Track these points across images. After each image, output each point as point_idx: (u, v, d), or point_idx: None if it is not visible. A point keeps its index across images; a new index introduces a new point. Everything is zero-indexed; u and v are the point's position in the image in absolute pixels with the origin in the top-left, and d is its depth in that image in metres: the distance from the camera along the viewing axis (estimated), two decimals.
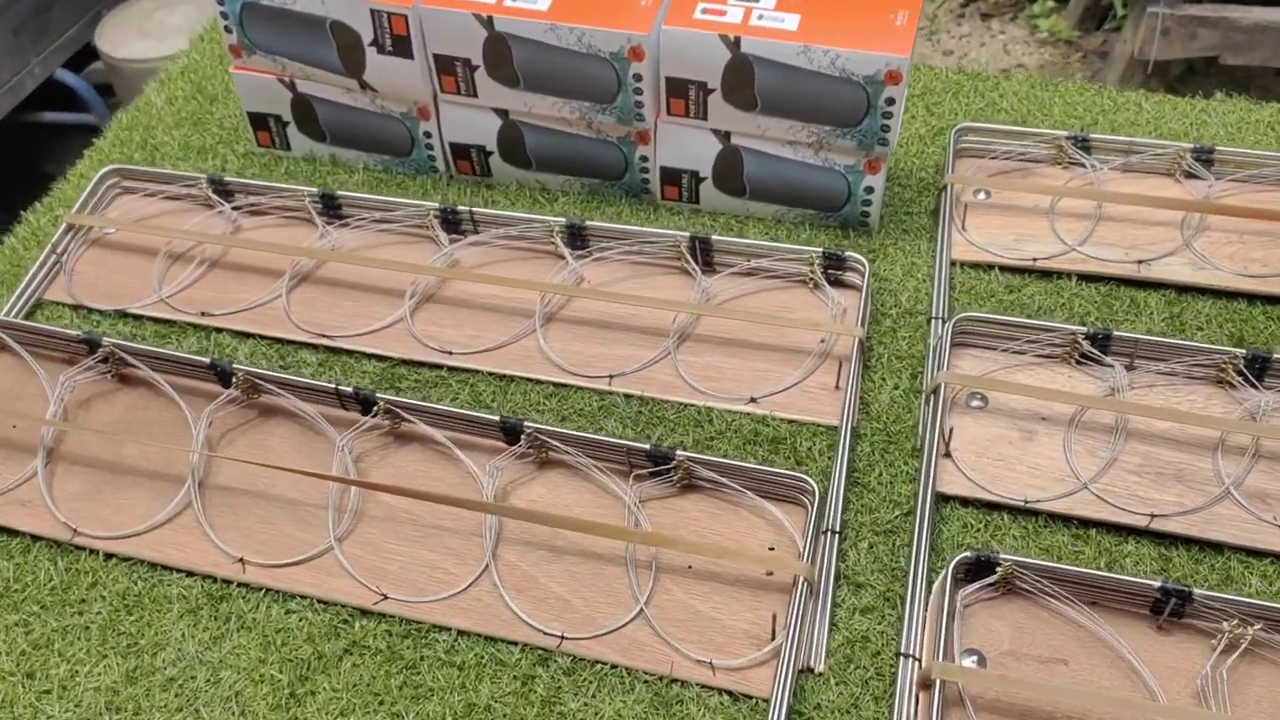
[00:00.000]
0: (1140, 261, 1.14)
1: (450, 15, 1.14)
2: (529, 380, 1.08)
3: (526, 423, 0.97)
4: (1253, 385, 0.99)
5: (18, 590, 0.93)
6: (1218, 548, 0.92)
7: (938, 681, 0.81)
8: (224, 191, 1.24)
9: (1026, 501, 0.95)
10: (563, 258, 1.18)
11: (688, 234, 1.15)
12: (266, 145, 1.33)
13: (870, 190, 1.18)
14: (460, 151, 1.27)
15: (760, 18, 1.09)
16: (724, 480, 0.95)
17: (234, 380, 1.02)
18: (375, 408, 1.00)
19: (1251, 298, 1.11)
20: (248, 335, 1.13)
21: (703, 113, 1.15)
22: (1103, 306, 1.12)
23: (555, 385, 1.08)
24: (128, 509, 0.97)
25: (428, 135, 1.27)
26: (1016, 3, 2.84)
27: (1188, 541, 0.92)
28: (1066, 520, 0.94)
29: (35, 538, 0.96)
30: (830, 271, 1.13)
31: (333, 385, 1.01)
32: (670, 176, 1.22)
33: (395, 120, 1.26)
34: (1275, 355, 0.99)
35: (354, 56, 1.20)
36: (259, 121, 1.31)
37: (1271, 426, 0.96)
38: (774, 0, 1.11)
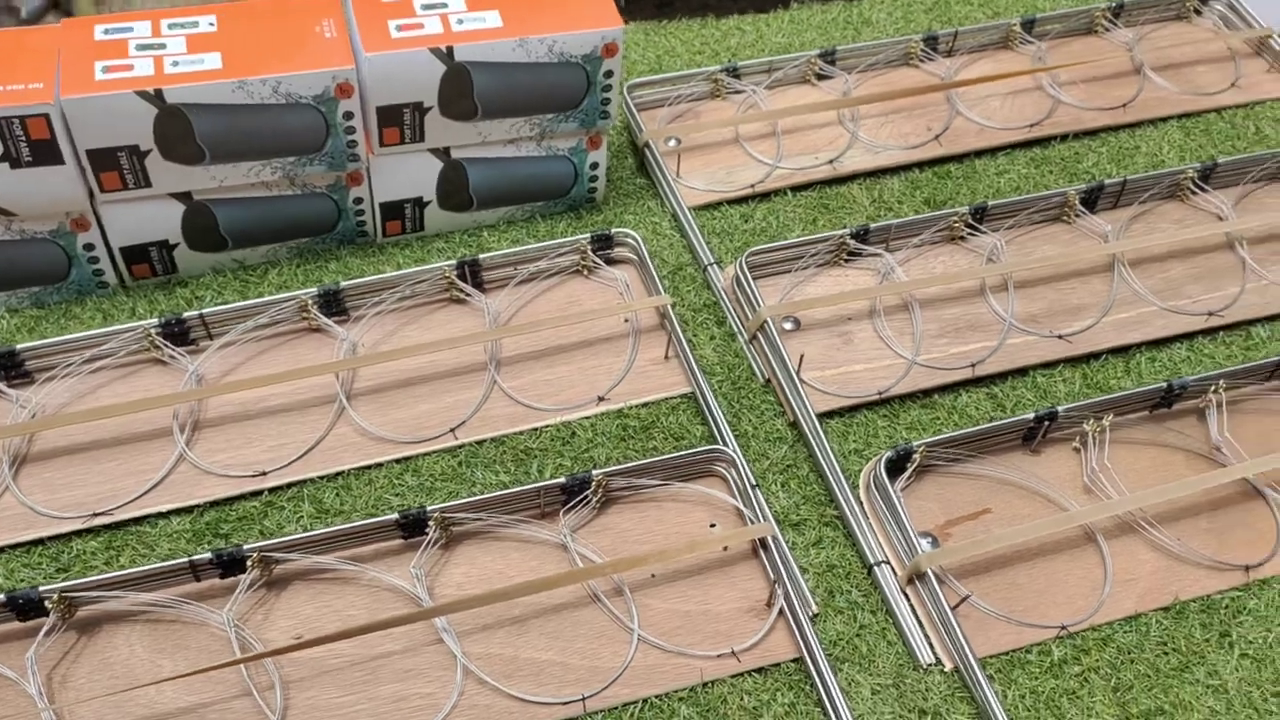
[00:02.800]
0: (830, 161, 1.27)
1: (107, 100, 0.94)
2: (366, 468, 0.97)
3: (430, 507, 0.88)
4: (981, 232, 1.16)
5: None
6: (1023, 372, 1.08)
7: (930, 571, 0.88)
8: None
9: (880, 393, 1.04)
10: (321, 330, 1.05)
11: (454, 261, 1.08)
12: None
13: (595, 166, 1.18)
14: (135, 254, 1.07)
15: (461, 22, 1.04)
16: (645, 482, 0.93)
17: (47, 606, 0.80)
18: (248, 562, 0.84)
19: (920, 165, 1.29)
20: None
21: (419, 135, 1.08)
22: (821, 209, 1.23)
23: (398, 461, 0.97)
24: None
25: (89, 248, 1.05)
26: None
27: (1001, 375, 1.07)
28: (912, 396, 1.05)
29: None
30: (602, 253, 1.13)
31: (186, 560, 0.83)
32: (391, 210, 1.14)
33: (43, 242, 1.03)
34: (990, 203, 1.16)
35: None
36: None
37: (1015, 261, 1.14)
38: (465, 2, 1.06)
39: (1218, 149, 1.32)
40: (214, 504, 0.93)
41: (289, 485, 0.95)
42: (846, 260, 1.15)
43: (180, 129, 0.98)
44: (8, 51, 0.96)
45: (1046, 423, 0.98)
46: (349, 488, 0.95)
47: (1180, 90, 1.38)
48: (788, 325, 1.09)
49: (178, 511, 0.92)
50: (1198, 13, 1.49)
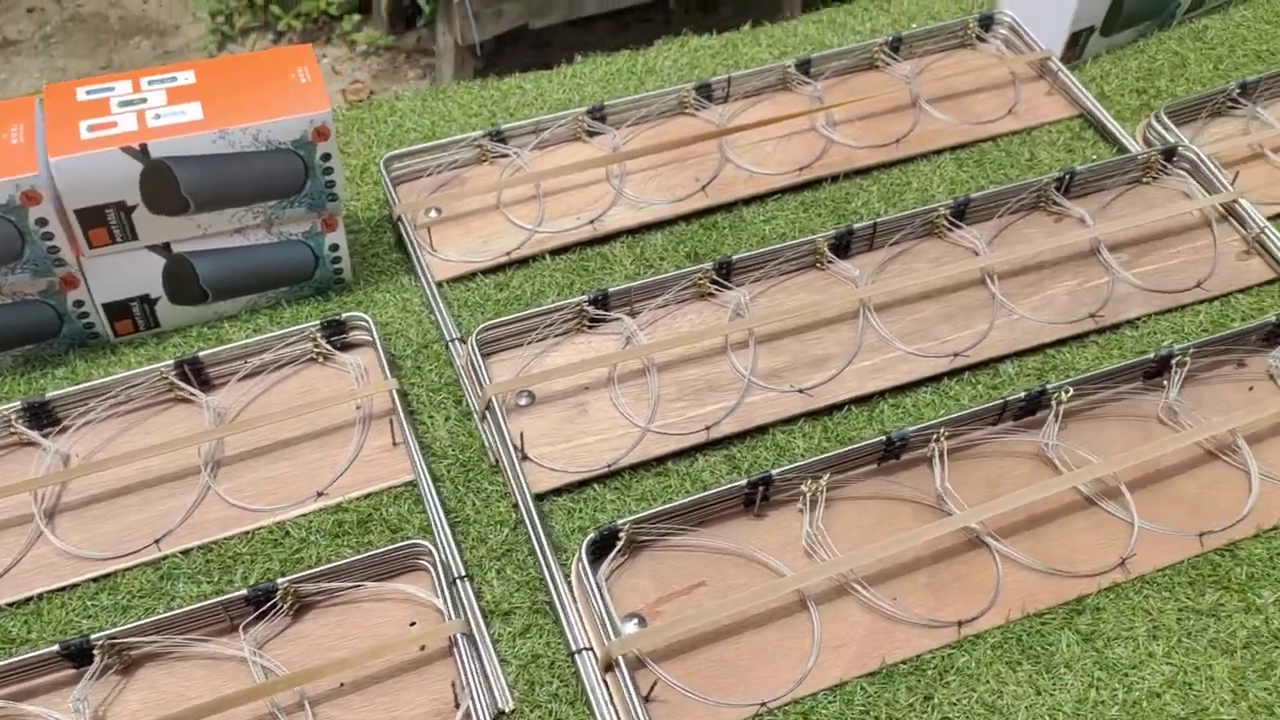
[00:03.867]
0: (592, 221, 1.25)
1: None
2: (61, 590, 0.94)
3: (93, 635, 0.84)
4: (727, 288, 1.14)
5: None
6: (762, 430, 1.05)
7: (619, 658, 0.85)
8: None
9: (609, 466, 1.01)
10: (33, 444, 1.02)
11: (172, 361, 1.05)
12: None
13: (335, 247, 1.16)
14: None
15: (159, 117, 1.02)
16: (337, 584, 0.90)
17: None
18: None
19: (686, 218, 1.27)
20: None
21: (130, 233, 1.05)
22: (580, 272, 1.21)
23: (96, 580, 0.94)
24: None
25: None
26: (324, 26, 2.90)
27: (739, 436, 1.05)
28: (645, 465, 1.03)
29: None
30: (335, 339, 1.10)
31: None
32: (118, 310, 1.11)
33: None
34: (734, 257, 1.14)
35: None
36: None
37: (759, 316, 1.12)
38: (164, 95, 1.04)
39: (989, 179, 1.31)
40: None
41: None
42: (590, 327, 1.12)
43: None
44: None
45: (762, 488, 0.95)
46: (40, 614, 0.92)
47: (956, 121, 1.37)
48: (523, 400, 1.07)
49: None
50: (981, 39, 1.48)
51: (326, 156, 1.07)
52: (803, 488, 0.96)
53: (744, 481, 0.95)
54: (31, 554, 0.95)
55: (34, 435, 1.01)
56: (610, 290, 1.12)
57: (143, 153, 1.00)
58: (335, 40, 2.88)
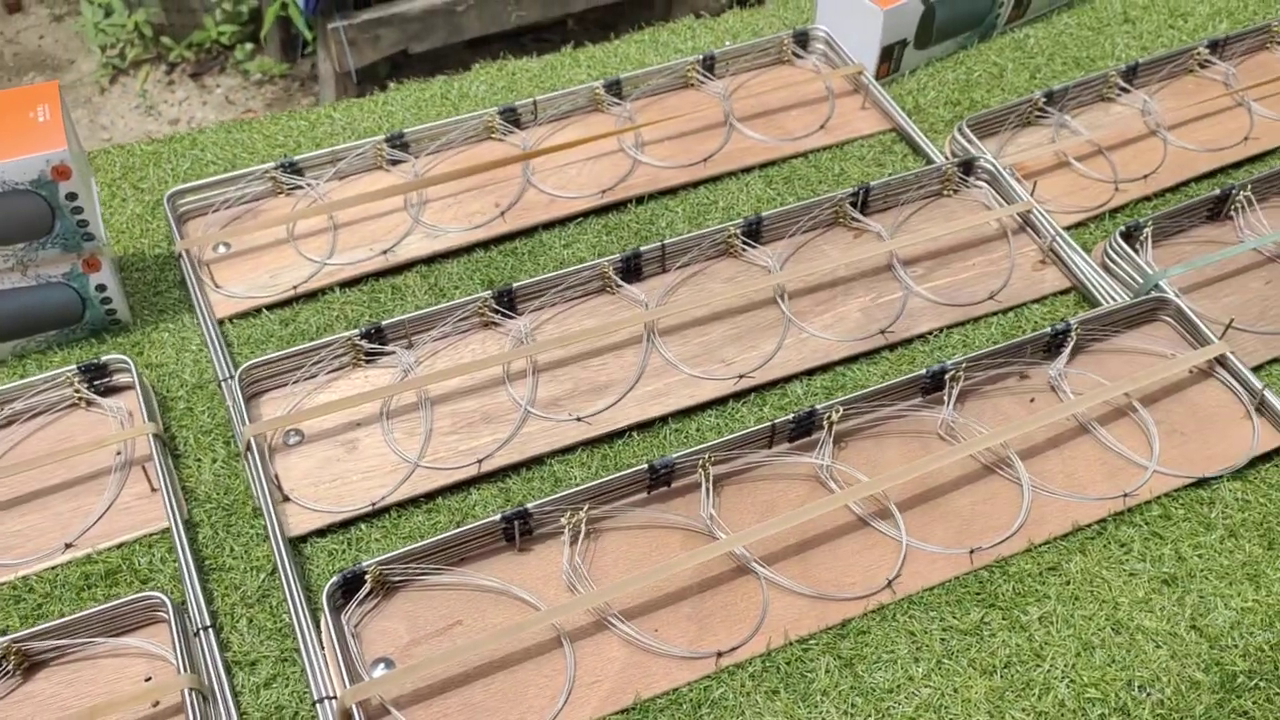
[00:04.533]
0: (385, 251, 1.22)
1: None
2: None
3: None
4: (509, 316, 1.12)
5: None
6: (539, 460, 1.03)
7: (353, 707, 0.82)
8: None
9: (373, 504, 0.98)
10: None
11: None
12: None
13: (103, 287, 1.12)
14: None
15: None
16: (64, 641, 0.86)
17: None
18: None
19: (484, 245, 1.25)
20: None
21: None
22: (371, 303, 1.18)
23: None
24: None
25: None
26: (217, 55, 2.86)
27: (515, 468, 1.02)
28: (414, 502, 1.00)
29: None
30: (97, 383, 1.06)
31: None
32: None
33: None
34: (515, 284, 1.12)
35: None
36: None
37: (537, 344, 1.10)
38: None
39: (797, 195, 1.30)
40: None
41: None
42: (367, 361, 1.09)
43: None
44: None
45: (518, 521, 0.93)
46: None
47: (767, 138, 1.36)
48: (292, 439, 1.03)
49: None
50: (798, 55, 1.48)
51: (72, 196, 1.03)
52: (563, 520, 0.93)
53: (498, 516, 0.92)
54: None
55: None
56: (384, 323, 1.09)
57: None
58: (230, 70, 2.84)
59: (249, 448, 1.00)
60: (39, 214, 1.03)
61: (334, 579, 0.89)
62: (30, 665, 0.86)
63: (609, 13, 2.88)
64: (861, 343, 1.12)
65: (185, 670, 0.85)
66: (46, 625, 0.86)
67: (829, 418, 1.00)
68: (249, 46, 2.87)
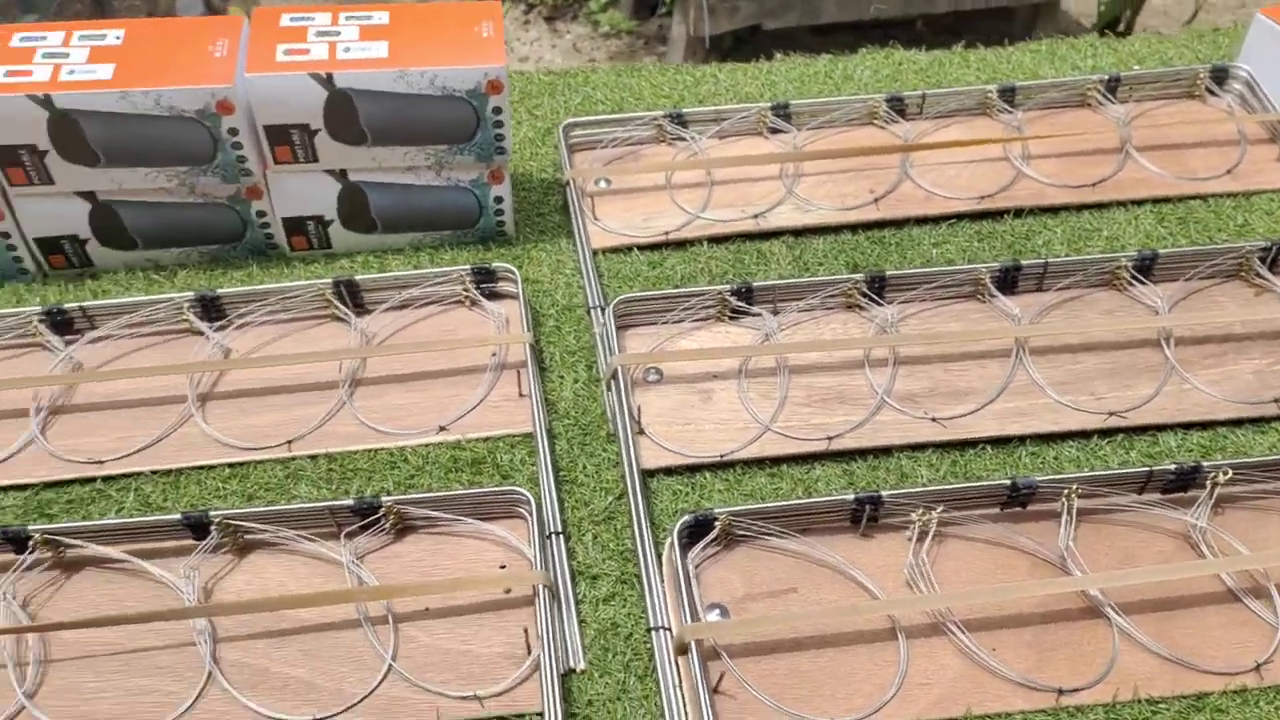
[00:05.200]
0: (756, 215, 1.24)
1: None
2: (199, 469, 0.99)
3: (212, 512, 0.90)
4: (876, 303, 1.11)
5: None
6: (887, 451, 1.02)
7: (692, 643, 0.84)
8: None
9: (722, 456, 1.00)
10: (201, 333, 1.09)
11: (331, 279, 1.10)
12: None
13: (500, 200, 1.19)
14: (50, 245, 1.14)
15: (348, 50, 1.07)
16: (438, 513, 0.92)
17: None
18: (31, 542, 0.87)
19: (853, 227, 1.24)
20: None
21: (312, 155, 1.11)
22: (735, 263, 1.20)
23: (231, 466, 1.00)
24: None
25: (5, 235, 1.12)
26: (573, 2, 2.99)
27: (862, 453, 1.02)
28: (759, 463, 1.01)
29: None
30: (483, 285, 1.13)
31: None
32: (294, 226, 1.17)
33: None
34: (888, 273, 1.11)
35: None
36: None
37: (903, 336, 1.08)
38: (357, 30, 1.09)
39: (1191, 239, 1.22)
40: (49, 485, 0.98)
41: (123, 476, 0.99)
42: (730, 318, 1.11)
43: (73, 133, 1.04)
44: None
45: (869, 506, 0.92)
46: (178, 486, 0.98)
47: (1164, 173, 1.28)
48: (651, 376, 1.07)
49: (15, 487, 0.97)
50: (1212, 92, 1.39)
51: (498, 110, 1.10)
52: (913, 516, 0.92)
53: (852, 496, 0.92)
54: (180, 431, 1.01)
55: (202, 325, 1.08)
56: (755, 285, 1.10)
57: (328, 81, 1.05)
58: (581, 18, 2.96)
59: (614, 376, 1.04)
60: (466, 121, 1.10)
61: (686, 518, 0.91)
62: (404, 528, 0.93)
63: (961, 19, 2.80)
64: (1251, 407, 1.04)
65: (539, 567, 0.89)
66: (425, 495, 0.93)
67: (1214, 478, 0.93)
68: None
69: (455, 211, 1.19)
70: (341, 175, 1.13)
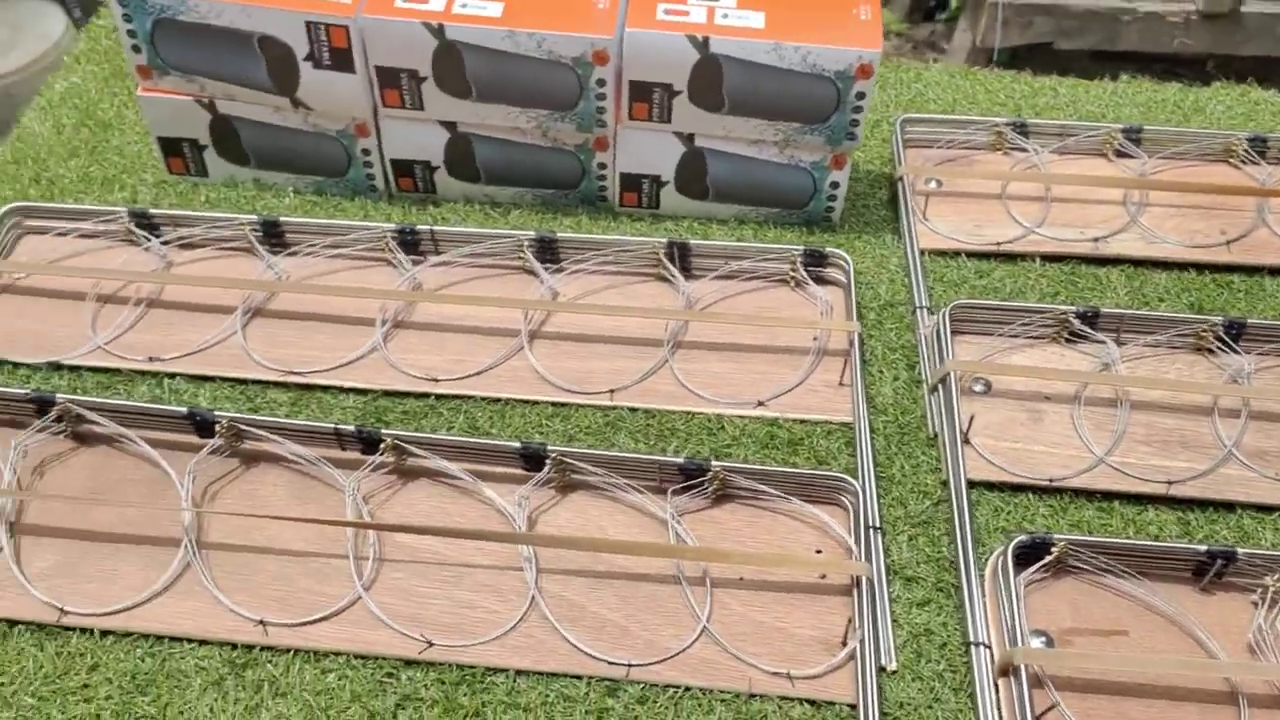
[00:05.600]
0: (1096, 239, 1.18)
1: (396, 25, 1.06)
2: (524, 402, 1.02)
3: (550, 447, 0.92)
4: (1233, 350, 1.04)
5: (4, 684, 0.81)
6: (1230, 507, 0.96)
7: (1021, 667, 0.81)
8: (148, 225, 1.12)
9: (1051, 481, 0.96)
10: (534, 273, 1.12)
11: (665, 239, 1.11)
12: (180, 172, 1.22)
13: (835, 185, 1.18)
14: (403, 168, 1.20)
15: (725, 16, 1.07)
16: (763, 487, 0.92)
17: (217, 429, 0.92)
18: (382, 445, 0.92)
19: (1199, 267, 1.17)
20: (205, 379, 1.03)
21: (666, 116, 1.12)
22: (1068, 285, 1.15)
23: (554, 405, 1.02)
24: (117, 580, 0.86)
25: (366, 153, 1.18)
26: None
27: (1202, 504, 0.96)
28: (1089, 495, 0.96)
29: (12, 622, 0.84)
30: (811, 269, 1.12)
31: (331, 426, 0.93)
32: (630, 183, 1.19)
33: (330, 139, 1.17)
34: (1250, 321, 1.04)
35: (286, 72, 1.11)
36: (171, 147, 1.20)
37: (1260, 388, 1.01)
38: None
39: None
40: (388, 393, 1.03)
41: (454, 397, 1.03)
42: (1067, 340, 1.07)
43: (454, 64, 1.08)
44: None
45: (1220, 562, 0.86)
46: (504, 415, 1.01)
47: None
48: (977, 387, 1.04)
49: (358, 391, 1.03)
50: None
51: (861, 95, 1.08)
52: (1267, 580, 0.86)
53: (1204, 548, 0.87)
54: (509, 364, 1.05)
55: (537, 267, 1.11)
56: (1103, 310, 1.05)
57: (704, 44, 1.06)
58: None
59: (944, 381, 1.01)
60: (827, 102, 1.09)
61: (1022, 538, 0.88)
62: (724, 495, 0.94)
63: (1261, 65, 2.62)
64: None
65: (860, 558, 0.88)
66: (751, 467, 0.93)
67: None
68: None
69: (789, 190, 1.18)
70: (689, 140, 1.14)
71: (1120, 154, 1.27)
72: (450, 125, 1.15)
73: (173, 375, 1.02)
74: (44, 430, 0.93)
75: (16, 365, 1.02)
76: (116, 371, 1.03)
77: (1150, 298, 1.14)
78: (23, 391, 0.93)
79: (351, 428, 0.92)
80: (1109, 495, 0.96)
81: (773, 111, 1.11)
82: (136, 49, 1.11)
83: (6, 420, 0.96)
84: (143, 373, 1.03)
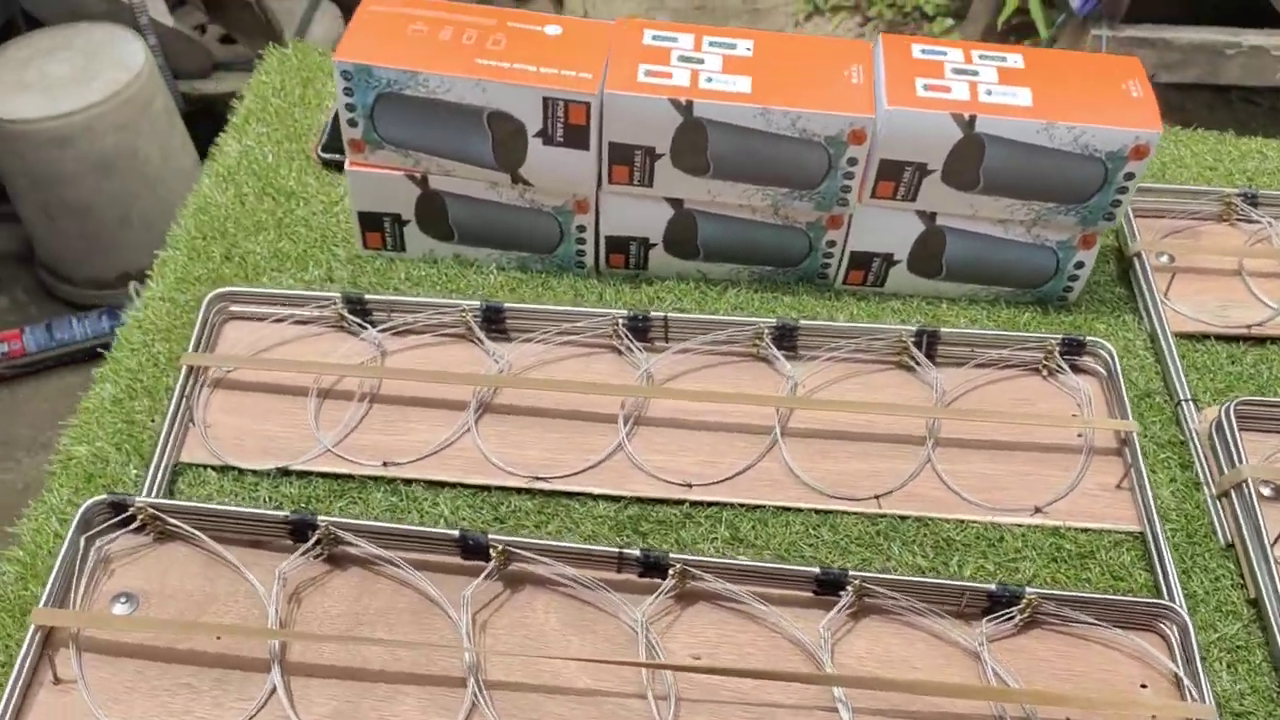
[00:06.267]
0: None
1: (641, 102, 1.00)
2: (784, 509, 0.96)
3: (851, 572, 0.85)
4: None
5: None
6: None
7: None
8: (361, 311, 1.05)
9: None
10: (767, 360, 1.06)
11: (913, 327, 1.05)
12: (377, 247, 1.15)
13: (1080, 265, 1.11)
14: (616, 245, 1.13)
15: (990, 94, 1.01)
16: (1085, 618, 0.85)
17: (491, 552, 0.85)
18: (670, 570, 0.85)
19: None
20: (442, 484, 0.96)
21: (913, 194, 1.06)
22: None
23: (817, 512, 0.96)
24: None
25: (581, 229, 1.12)
26: (912, 20, 2.89)
27: None
28: None
29: None
30: (1068, 357, 1.06)
31: (615, 550, 0.86)
32: (859, 261, 1.12)
33: (545, 215, 1.10)
34: None
35: (512, 148, 1.04)
36: (372, 222, 1.13)
37: None
38: (995, 73, 1.03)
39: None
40: (639, 500, 0.96)
41: (709, 504, 0.96)
42: None
43: (696, 141, 1.02)
44: (568, 39, 1.04)
45: None
46: (765, 524, 0.95)
47: None
48: (1266, 491, 0.97)
49: (606, 498, 0.96)
50: None
51: (1130, 176, 1.02)
52: None
53: None
54: (761, 465, 0.98)
55: (776, 355, 1.05)
56: None
57: (969, 123, 1.00)
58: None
59: (1237, 486, 0.94)
60: (1091, 182, 1.03)
61: None
62: (1030, 621, 0.87)
63: None
64: None
65: (1197, 698, 0.81)
66: (1063, 594, 0.86)
67: None
68: (948, 21, 2.86)
69: (1028, 270, 1.12)
70: (930, 217, 1.08)
71: None
72: (676, 202, 1.08)
73: (409, 481, 0.95)
74: (301, 556, 0.85)
75: (242, 472, 0.95)
76: (349, 478, 0.96)
77: None
78: (281, 514, 0.86)
79: (637, 552, 0.85)
80: None
81: (1031, 192, 1.04)
82: (353, 123, 1.04)
83: (250, 541, 0.89)
84: (375, 478, 0.96)
